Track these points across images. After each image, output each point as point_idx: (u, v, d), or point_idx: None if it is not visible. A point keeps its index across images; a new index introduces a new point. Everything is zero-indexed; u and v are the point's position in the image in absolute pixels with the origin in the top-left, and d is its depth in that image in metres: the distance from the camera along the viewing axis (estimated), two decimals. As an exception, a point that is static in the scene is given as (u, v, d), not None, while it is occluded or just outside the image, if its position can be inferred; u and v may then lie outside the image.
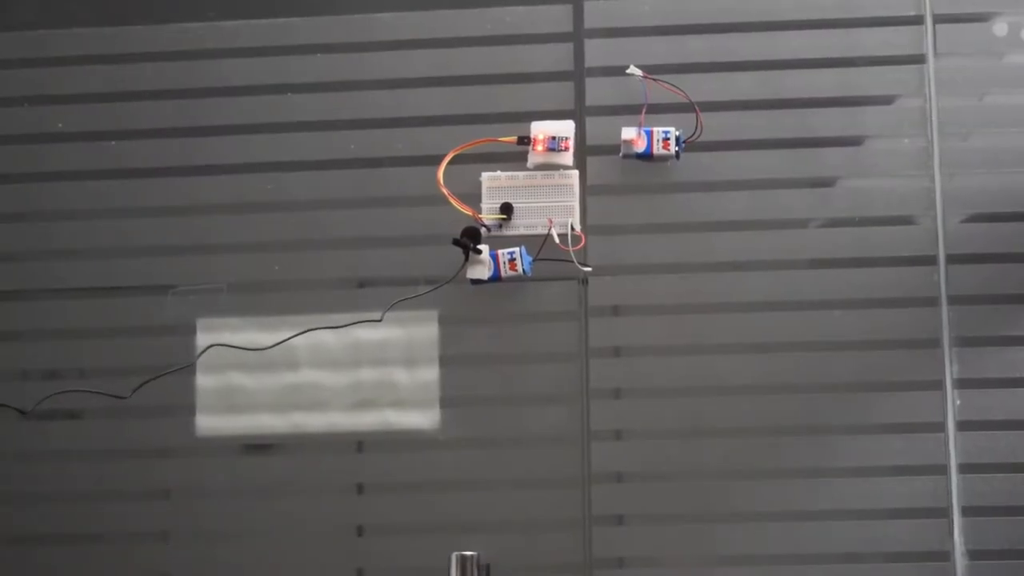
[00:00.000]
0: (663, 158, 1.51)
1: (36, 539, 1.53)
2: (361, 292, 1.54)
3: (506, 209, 1.50)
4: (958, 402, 1.48)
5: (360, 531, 1.53)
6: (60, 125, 1.59)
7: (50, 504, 1.53)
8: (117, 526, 1.53)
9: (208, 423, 1.53)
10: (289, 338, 1.49)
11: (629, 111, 1.52)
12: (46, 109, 1.59)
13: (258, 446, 1.54)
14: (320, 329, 1.49)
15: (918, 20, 1.54)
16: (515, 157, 1.52)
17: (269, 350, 1.50)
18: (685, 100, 1.51)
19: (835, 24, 1.54)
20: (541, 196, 1.50)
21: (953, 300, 1.49)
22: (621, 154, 1.52)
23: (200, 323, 1.54)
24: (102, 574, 1.52)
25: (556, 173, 1.51)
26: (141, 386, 1.46)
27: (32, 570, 1.53)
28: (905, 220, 1.52)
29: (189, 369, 1.51)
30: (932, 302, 1.50)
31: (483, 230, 1.49)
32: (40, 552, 1.53)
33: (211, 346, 1.50)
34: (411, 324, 1.52)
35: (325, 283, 1.54)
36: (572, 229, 1.49)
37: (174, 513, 1.54)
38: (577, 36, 1.56)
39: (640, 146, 1.51)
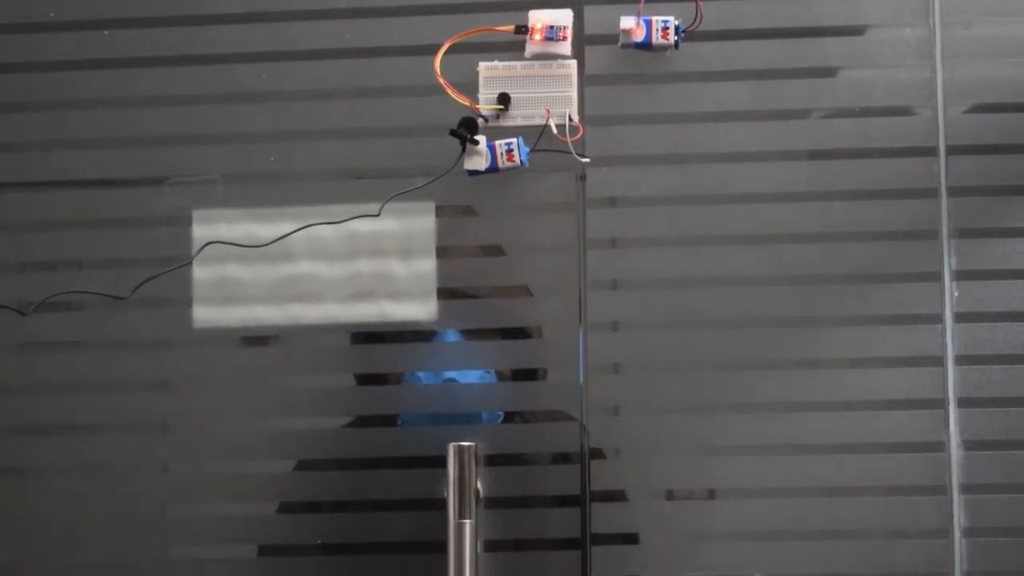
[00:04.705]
0: (662, 48, 1.49)
1: (36, 429, 1.54)
2: (357, 183, 1.54)
3: (503, 99, 1.49)
4: (956, 294, 1.48)
5: (361, 420, 1.54)
6: (52, 14, 1.57)
7: (50, 395, 1.54)
8: (117, 417, 1.53)
9: (205, 315, 1.53)
10: (286, 235, 1.48)
11: (628, 0, 1.50)
12: (38, -2, 1.58)
13: (255, 338, 1.54)
14: (318, 225, 1.48)
15: (921, -93, 1.52)
16: (513, 47, 1.50)
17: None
18: (685, -12, 1.49)
19: (837, -89, 1.52)
20: (539, 86, 1.49)
21: (952, 192, 1.49)
22: (620, 43, 1.50)
23: (196, 215, 1.53)
24: (102, 464, 1.53)
25: (554, 63, 1.49)
26: (140, 286, 1.46)
27: (32, 460, 1.54)
28: (906, 111, 1.51)
29: (185, 261, 1.51)
30: (931, 193, 1.49)
31: (480, 121, 1.48)
32: (40, 442, 1.54)
33: (209, 243, 1.49)
34: (408, 216, 1.52)
35: (321, 174, 1.54)
36: (570, 120, 1.48)
37: (173, 404, 1.54)
38: (575, -77, 1.54)
39: (639, 35, 1.49)
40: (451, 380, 1.51)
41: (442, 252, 1.52)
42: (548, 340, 1.52)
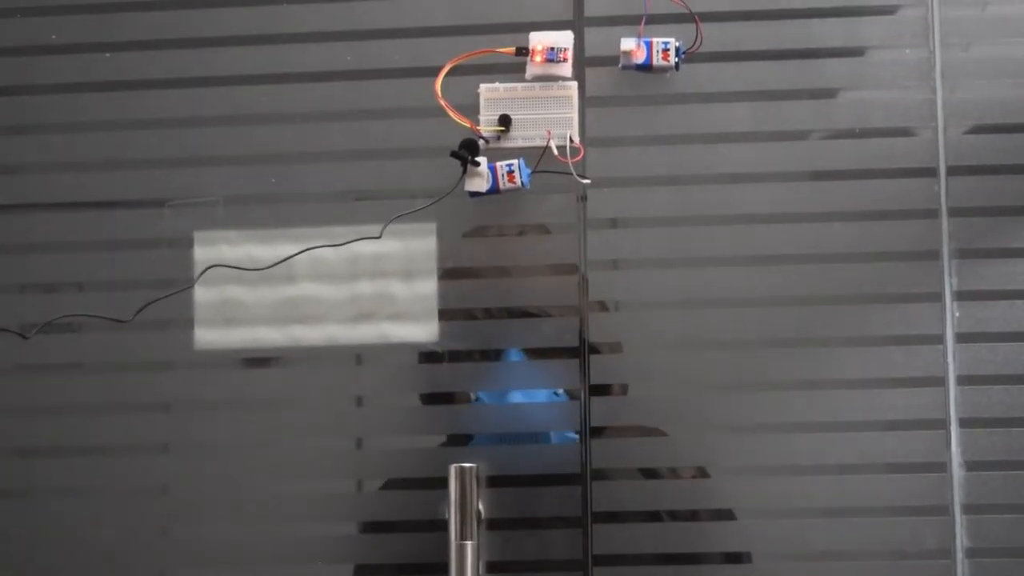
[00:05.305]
0: (663, 69, 1.50)
1: (37, 451, 1.54)
2: (358, 205, 1.54)
3: (504, 121, 1.49)
4: (957, 314, 1.48)
5: (359, 444, 1.54)
6: (54, 37, 1.57)
7: (51, 417, 1.53)
8: (118, 439, 1.53)
9: (206, 337, 1.53)
10: (288, 258, 1.48)
11: (628, 21, 1.50)
12: (40, 21, 1.57)
13: (257, 360, 1.54)
14: (319, 247, 1.48)
15: (920, -72, 1.52)
16: (513, 68, 1.50)
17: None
18: (685, 10, 1.49)
19: (837, -67, 1.53)
20: (540, 108, 1.49)
21: (953, 212, 1.49)
22: (620, 65, 1.50)
23: (197, 236, 1.54)
24: (103, 486, 1.53)
25: (555, 84, 1.49)
26: (141, 310, 1.45)
27: (33, 482, 1.53)
28: (906, 132, 1.51)
29: (187, 283, 1.51)
30: (932, 214, 1.49)
31: (481, 142, 1.48)
32: (41, 464, 1.54)
33: (210, 267, 1.49)
34: (409, 237, 1.52)
35: (322, 196, 1.54)
36: (571, 141, 1.48)
37: (174, 426, 1.54)
38: (576, -55, 1.54)
39: (639, 57, 1.49)
40: (517, 404, 1.50)
41: (443, 273, 1.52)
42: (549, 361, 1.52)
